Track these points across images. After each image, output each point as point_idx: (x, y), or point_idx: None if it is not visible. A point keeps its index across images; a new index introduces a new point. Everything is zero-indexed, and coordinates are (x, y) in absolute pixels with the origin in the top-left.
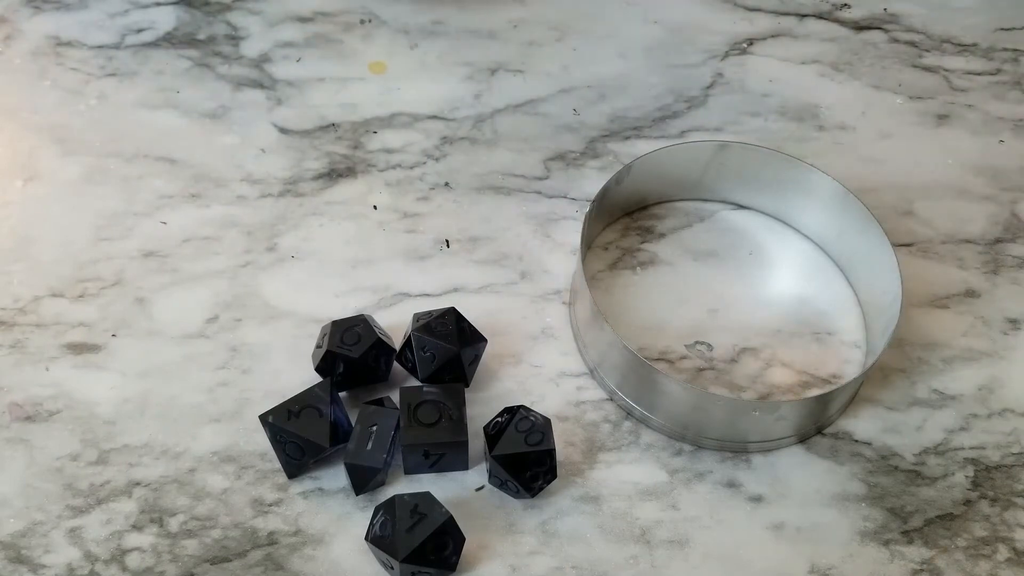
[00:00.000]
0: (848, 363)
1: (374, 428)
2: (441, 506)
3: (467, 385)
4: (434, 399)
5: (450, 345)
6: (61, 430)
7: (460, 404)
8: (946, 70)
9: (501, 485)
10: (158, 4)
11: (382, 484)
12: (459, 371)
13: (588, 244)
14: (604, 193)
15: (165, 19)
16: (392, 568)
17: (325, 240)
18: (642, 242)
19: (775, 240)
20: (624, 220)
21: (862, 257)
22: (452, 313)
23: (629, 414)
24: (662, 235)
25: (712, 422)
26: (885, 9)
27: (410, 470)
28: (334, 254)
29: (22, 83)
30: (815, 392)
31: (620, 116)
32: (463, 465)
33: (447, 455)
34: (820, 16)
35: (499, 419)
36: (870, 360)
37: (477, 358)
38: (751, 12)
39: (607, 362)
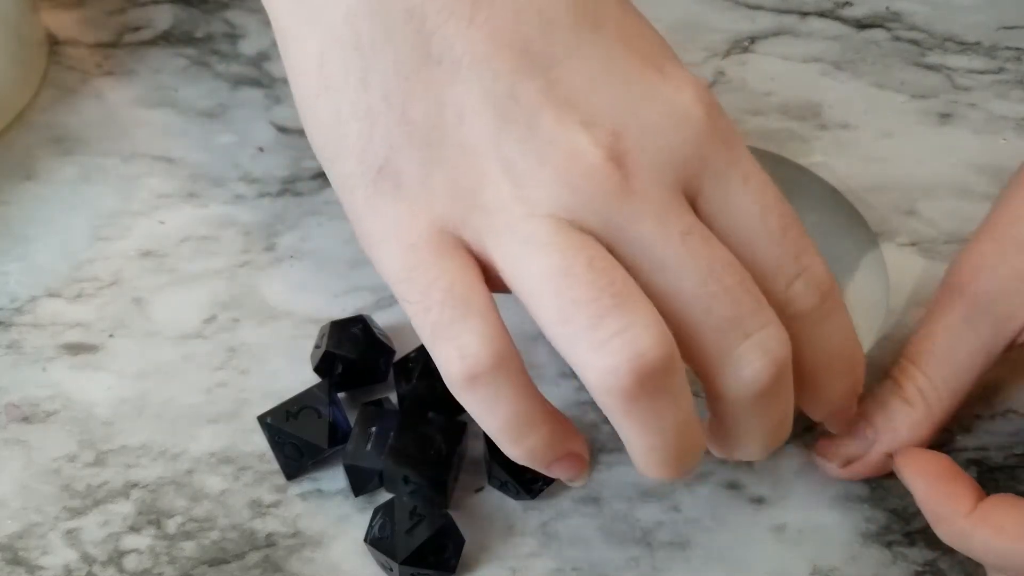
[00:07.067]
0: None
1: (373, 429)
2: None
3: None
4: (428, 432)
5: None
6: (58, 431)
7: (455, 442)
8: (949, 69)
9: (501, 486)
10: (155, 2)
11: (381, 485)
12: None
13: None
14: None
15: (163, 17)
16: (391, 570)
17: (324, 240)
18: None
19: None
20: None
21: (853, 255)
22: None
23: None
24: None
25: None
26: (887, 7)
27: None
28: (333, 254)
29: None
30: None
31: None
32: (442, 503)
33: (424, 488)
34: (822, 14)
35: None
36: None
37: None
38: (753, 10)
39: None
